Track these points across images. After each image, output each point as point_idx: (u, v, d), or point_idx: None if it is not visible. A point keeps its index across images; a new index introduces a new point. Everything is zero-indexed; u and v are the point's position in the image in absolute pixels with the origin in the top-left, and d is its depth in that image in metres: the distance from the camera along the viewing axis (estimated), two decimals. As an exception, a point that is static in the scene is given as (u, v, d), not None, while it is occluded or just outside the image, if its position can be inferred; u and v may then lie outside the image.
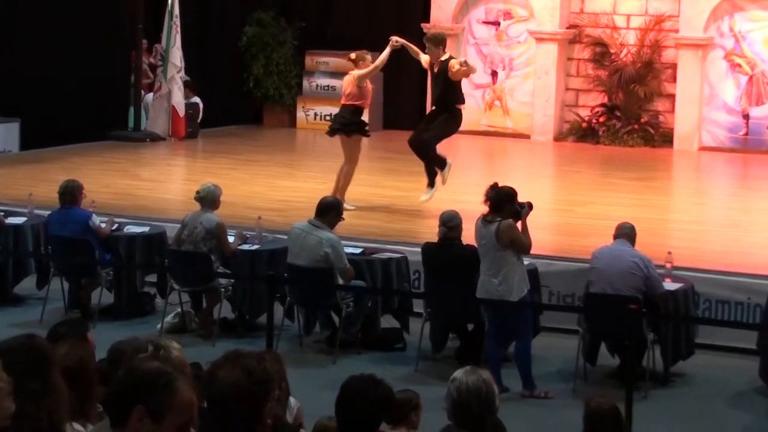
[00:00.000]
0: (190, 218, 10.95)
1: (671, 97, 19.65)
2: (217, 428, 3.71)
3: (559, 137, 20.12)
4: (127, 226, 11.78)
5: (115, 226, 11.62)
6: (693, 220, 13.98)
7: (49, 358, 3.96)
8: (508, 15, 20.53)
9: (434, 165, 13.41)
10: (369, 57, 13.89)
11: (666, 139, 19.55)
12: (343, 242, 10.52)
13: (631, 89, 19.63)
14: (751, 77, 19.28)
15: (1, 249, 11.53)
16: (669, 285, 9.93)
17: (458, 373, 5.52)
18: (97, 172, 15.47)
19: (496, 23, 20.59)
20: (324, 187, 13.66)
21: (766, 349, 9.67)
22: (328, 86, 20.87)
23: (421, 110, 17.78)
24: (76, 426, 4.21)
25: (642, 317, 9.28)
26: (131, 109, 19.08)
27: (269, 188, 14.99)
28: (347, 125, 13.60)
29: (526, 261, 9.77)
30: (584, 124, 19.99)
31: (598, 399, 6.58)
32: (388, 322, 10.76)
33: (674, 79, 19.56)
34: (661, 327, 9.64)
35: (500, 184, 9.54)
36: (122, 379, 3.49)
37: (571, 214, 13.94)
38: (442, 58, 13.21)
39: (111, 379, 3.74)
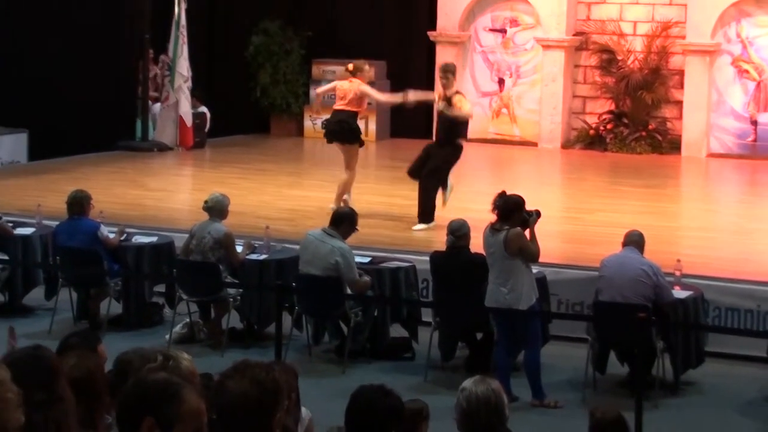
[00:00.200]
0: (198, 228, 10.94)
1: (679, 103, 19.60)
2: (226, 439, 3.70)
3: (566, 145, 20.06)
4: (136, 236, 11.78)
5: (125, 235, 11.62)
6: (702, 227, 13.94)
7: (55, 368, 3.96)
8: (514, 22, 20.49)
9: (427, 206, 13.08)
10: (367, 67, 13.91)
11: (674, 145, 19.49)
12: (352, 251, 10.50)
13: (638, 96, 19.58)
14: (758, 83, 19.23)
15: (10, 260, 11.53)
16: (678, 293, 9.90)
17: (467, 383, 5.50)
18: (105, 182, 15.47)
19: (503, 31, 20.55)
20: (332, 197, 13.67)
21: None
22: (335, 95, 20.79)
23: (428, 120, 17.68)
24: (85, 437, 4.20)
25: (651, 325, 9.25)
26: (139, 120, 19.10)
27: (277, 197, 14.98)
28: (350, 132, 13.61)
29: (535, 269, 9.75)
30: (592, 132, 19.94)
31: (603, 409, 6.56)
32: (396, 331, 10.74)
33: (682, 86, 19.51)
34: (670, 335, 9.61)
35: (508, 193, 9.53)
36: (130, 391, 3.48)
37: (580, 222, 13.91)
38: (449, 93, 13.05)
39: (118, 390, 3.73)
